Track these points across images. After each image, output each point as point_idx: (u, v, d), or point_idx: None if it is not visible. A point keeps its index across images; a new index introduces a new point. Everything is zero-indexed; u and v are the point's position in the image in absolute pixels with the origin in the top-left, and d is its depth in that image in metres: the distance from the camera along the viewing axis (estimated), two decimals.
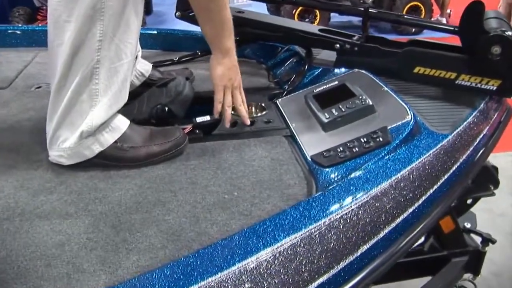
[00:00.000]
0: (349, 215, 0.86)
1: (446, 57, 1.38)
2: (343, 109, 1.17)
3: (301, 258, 0.79)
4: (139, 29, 1.09)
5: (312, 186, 1.01)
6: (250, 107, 1.38)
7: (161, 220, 0.91)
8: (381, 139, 1.05)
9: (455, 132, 1.15)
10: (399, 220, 0.93)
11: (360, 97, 1.19)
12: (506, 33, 1.28)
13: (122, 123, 1.11)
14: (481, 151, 1.21)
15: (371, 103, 1.17)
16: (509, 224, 2.48)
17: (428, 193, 1.00)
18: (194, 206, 0.95)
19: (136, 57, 1.41)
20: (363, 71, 1.37)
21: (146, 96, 1.31)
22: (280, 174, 1.06)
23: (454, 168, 1.09)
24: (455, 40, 1.40)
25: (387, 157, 1.00)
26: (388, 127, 1.10)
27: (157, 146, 1.10)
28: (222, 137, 1.23)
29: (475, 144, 1.20)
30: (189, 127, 1.30)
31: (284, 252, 0.78)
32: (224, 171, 1.07)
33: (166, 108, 1.24)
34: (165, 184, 1.02)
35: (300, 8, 5.15)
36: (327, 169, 1.03)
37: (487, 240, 1.54)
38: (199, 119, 1.32)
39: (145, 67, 1.43)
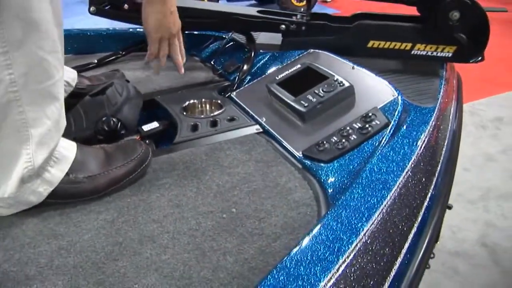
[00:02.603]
0: (386, 212, 0.73)
1: (400, 28, 1.30)
2: (321, 94, 1.04)
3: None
4: (61, 36, 0.84)
5: (315, 187, 0.87)
6: (204, 105, 1.22)
7: (158, 261, 0.72)
8: (378, 122, 0.94)
9: (438, 104, 1.07)
10: (427, 201, 0.82)
11: (335, 79, 1.07)
12: None
13: (69, 149, 0.87)
14: (457, 119, 1.16)
15: (349, 84, 1.05)
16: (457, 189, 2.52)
17: (439, 167, 0.92)
18: (192, 236, 0.77)
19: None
20: (320, 51, 1.26)
21: (81, 109, 1.08)
22: (274, 178, 0.90)
23: (447, 138, 1.02)
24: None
25: (395, 139, 0.89)
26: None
27: (119, 169, 0.89)
28: (185, 145, 1.04)
29: (453, 113, 1.14)
30: (137, 138, 1.11)
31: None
32: (208, 185, 0.90)
33: (114, 119, 1.03)
34: (144, 214, 0.83)
35: None
36: (327, 165, 0.90)
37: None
38: (146, 128, 1.13)
39: (70, 75, 1.19)
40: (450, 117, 1.11)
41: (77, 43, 1.54)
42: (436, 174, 0.88)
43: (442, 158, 0.94)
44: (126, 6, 1.39)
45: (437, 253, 1.81)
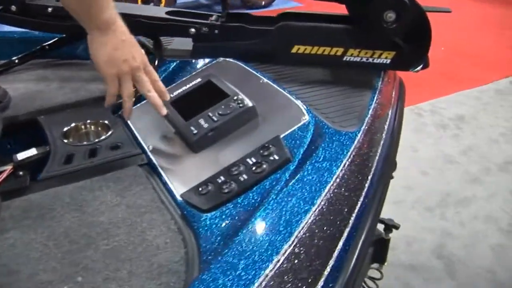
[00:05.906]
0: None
1: (330, 30, 1.12)
2: (215, 118, 0.86)
3: None
4: None
5: (191, 244, 0.69)
6: (89, 128, 1.03)
7: None
8: (276, 157, 0.76)
9: (364, 126, 0.89)
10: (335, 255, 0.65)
11: (235, 98, 0.89)
12: None
13: None
14: (394, 139, 0.98)
15: (251, 104, 0.87)
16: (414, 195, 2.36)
17: (356, 210, 0.73)
18: None
19: None
20: (230, 60, 1.07)
21: None
22: (142, 231, 0.72)
23: (374, 169, 0.84)
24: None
25: (292, 182, 0.71)
26: (281, 136, 0.81)
27: None
28: (54, 182, 0.85)
29: (386, 133, 0.96)
30: (8, 170, 0.91)
31: None
32: (59, 241, 0.71)
33: None
34: None
35: None
36: (207, 214, 0.72)
37: (390, 226, 1.37)
38: (21, 156, 0.94)
39: None
40: (382, 141, 0.93)
41: None
42: (345, 234, 0.70)
43: (358, 208, 0.75)
44: (13, 7, 1.20)
45: (390, 266, 1.67)
